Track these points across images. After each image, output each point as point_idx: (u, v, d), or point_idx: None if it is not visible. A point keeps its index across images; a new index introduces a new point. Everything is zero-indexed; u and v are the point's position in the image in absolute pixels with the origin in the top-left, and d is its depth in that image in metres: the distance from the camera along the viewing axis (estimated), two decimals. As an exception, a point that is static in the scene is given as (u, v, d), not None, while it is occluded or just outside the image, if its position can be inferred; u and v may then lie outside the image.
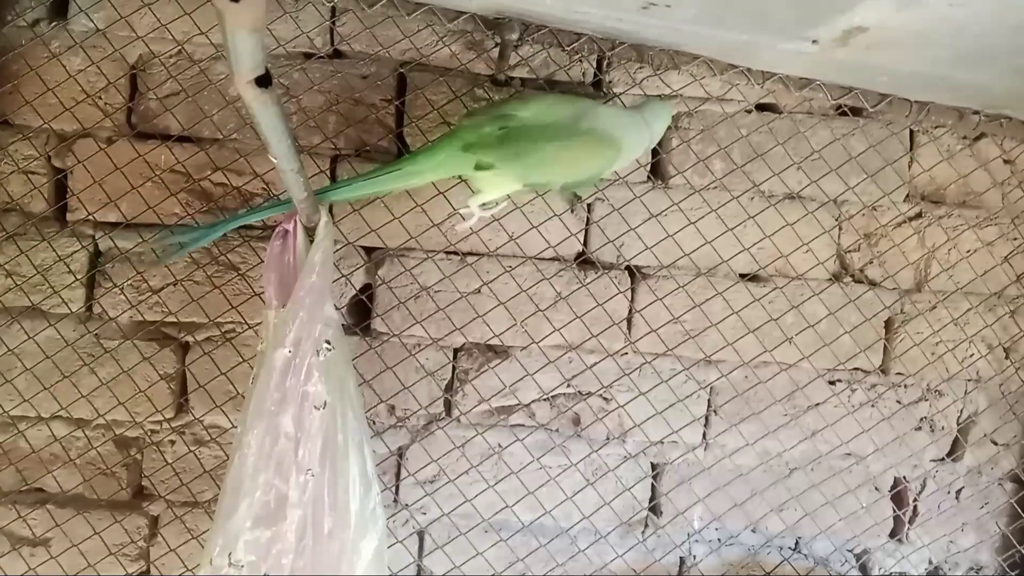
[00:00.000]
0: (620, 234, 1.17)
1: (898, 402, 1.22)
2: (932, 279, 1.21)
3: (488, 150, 0.97)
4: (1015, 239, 1.22)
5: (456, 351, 1.17)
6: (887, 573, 1.23)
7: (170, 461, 1.14)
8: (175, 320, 1.12)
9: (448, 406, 1.17)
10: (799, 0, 0.90)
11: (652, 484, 1.21)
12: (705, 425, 1.20)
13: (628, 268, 1.18)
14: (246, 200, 1.12)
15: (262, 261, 1.10)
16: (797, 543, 1.24)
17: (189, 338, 1.13)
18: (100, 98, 1.11)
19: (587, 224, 1.18)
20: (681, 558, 1.23)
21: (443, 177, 1.06)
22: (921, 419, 1.22)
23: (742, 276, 1.19)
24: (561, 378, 1.17)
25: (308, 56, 1.14)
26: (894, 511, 1.24)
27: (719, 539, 1.22)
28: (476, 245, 1.15)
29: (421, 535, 1.19)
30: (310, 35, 1.12)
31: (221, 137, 1.12)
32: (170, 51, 1.11)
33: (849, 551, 1.25)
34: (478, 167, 0.98)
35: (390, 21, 1.12)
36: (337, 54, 1.14)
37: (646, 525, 1.21)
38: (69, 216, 1.11)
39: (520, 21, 1.13)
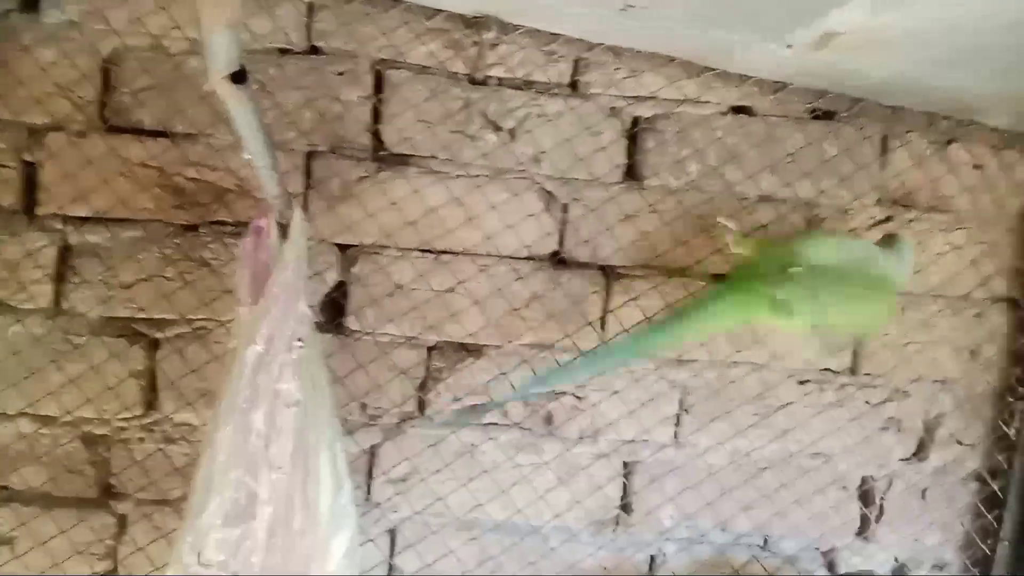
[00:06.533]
0: (595, 234, 1.17)
1: (866, 402, 1.23)
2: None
3: (786, 287, 1.00)
4: (982, 243, 1.24)
5: (430, 349, 1.17)
6: (853, 571, 1.25)
7: (139, 459, 1.12)
8: (145, 316, 1.11)
9: (421, 404, 1.17)
10: (774, 4, 0.91)
11: (624, 483, 1.22)
12: (676, 424, 1.21)
13: (602, 268, 1.19)
14: (219, 196, 1.11)
15: (235, 257, 1.09)
16: (766, 541, 1.25)
17: (159, 334, 1.12)
18: (72, 91, 1.10)
19: (563, 224, 1.18)
20: (652, 556, 1.24)
21: (738, 321, 1.09)
22: (888, 419, 1.24)
23: (714, 277, 1.19)
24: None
25: (285, 52, 1.13)
26: (861, 510, 1.25)
27: (689, 537, 1.23)
28: (451, 243, 1.15)
29: (393, 533, 1.18)
30: (287, 31, 1.12)
31: (195, 132, 1.11)
32: (144, 45, 1.10)
33: (817, 549, 1.26)
34: (774, 307, 1.01)
35: (367, 18, 1.12)
36: (314, 50, 1.14)
37: (617, 523, 1.22)
38: (38, 210, 1.09)
39: (497, 20, 1.13)
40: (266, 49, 1.12)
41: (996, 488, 1.24)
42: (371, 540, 1.16)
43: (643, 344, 1.09)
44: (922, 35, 0.92)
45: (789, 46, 1.01)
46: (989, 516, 1.24)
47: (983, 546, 1.25)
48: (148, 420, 1.13)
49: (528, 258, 1.17)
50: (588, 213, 1.17)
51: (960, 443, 1.26)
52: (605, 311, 1.19)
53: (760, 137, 1.19)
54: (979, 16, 0.86)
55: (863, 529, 1.26)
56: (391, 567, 1.18)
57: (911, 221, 1.23)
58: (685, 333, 1.08)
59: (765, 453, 1.22)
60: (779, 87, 1.18)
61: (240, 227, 1.11)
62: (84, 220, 1.10)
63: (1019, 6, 0.82)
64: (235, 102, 0.68)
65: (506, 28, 1.14)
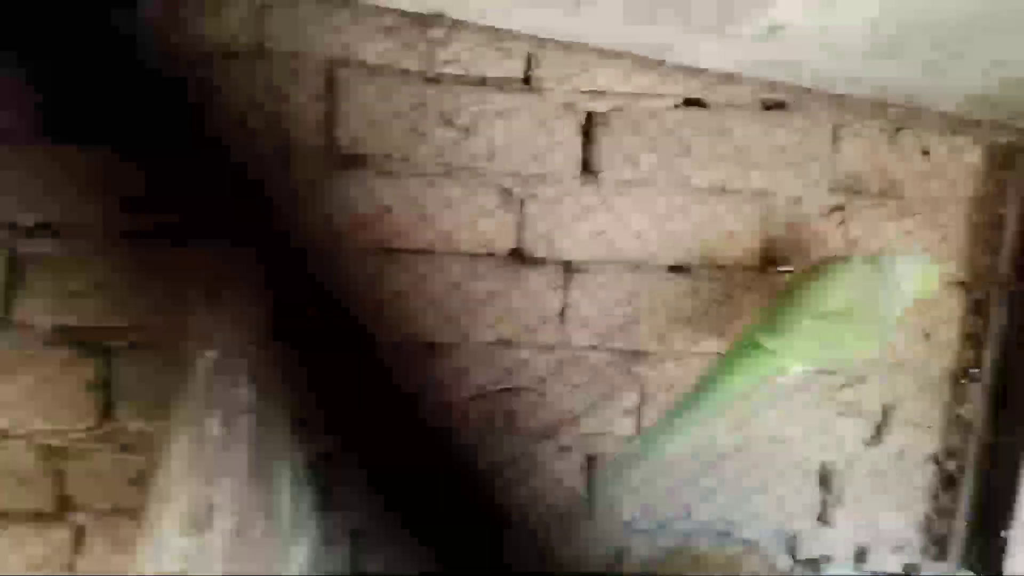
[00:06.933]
0: (552, 229, 1.18)
1: (824, 388, 1.25)
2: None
3: (785, 340, 1.04)
4: (934, 228, 1.26)
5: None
6: (814, 555, 1.27)
7: (95, 470, 1.11)
8: (97, 325, 1.10)
9: (381, 406, 1.17)
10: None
11: (587, 476, 1.23)
12: (638, 417, 1.22)
13: (561, 263, 1.19)
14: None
15: (188, 263, 1.07)
16: (728, 529, 1.26)
17: (112, 343, 1.11)
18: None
19: (520, 220, 1.18)
20: (616, 548, 1.24)
21: (754, 381, 1.09)
22: (846, 404, 1.26)
23: (671, 269, 1.20)
24: (495, 374, 1.17)
25: (233, 54, 1.11)
26: (821, 494, 1.27)
27: (653, 528, 1.24)
28: (407, 240, 1.15)
29: (355, 536, 1.18)
30: (235, 32, 1.10)
31: (142, 137, 1.09)
32: (87, 49, 1.08)
33: (778, 535, 1.28)
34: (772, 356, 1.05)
35: (317, 17, 1.11)
36: (263, 51, 1.12)
37: (581, 517, 1.23)
38: (-16, 221, 1.07)
39: (448, 18, 1.13)
40: (215, 50, 1.11)
41: (953, 469, 1.27)
42: (333, 544, 1.16)
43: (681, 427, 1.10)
44: (858, 29, 0.93)
45: (737, 38, 1.02)
46: (946, 497, 1.27)
47: (941, 526, 1.27)
48: (103, 430, 1.11)
49: (486, 255, 1.17)
50: (545, 208, 1.17)
51: (917, 426, 1.28)
52: (565, 306, 1.19)
53: (713, 129, 1.20)
54: (905, 13, 0.87)
55: (823, 513, 1.28)
56: (354, 570, 1.18)
57: (863, 208, 1.24)
58: (717, 403, 1.09)
59: (725, 442, 1.23)
60: (730, 79, 1.18)
61: (192, 233, 1.10)
62: (32, 229, 1.08)
63: (939, 3, 0.84)
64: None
65: (457, 25, 1.13)
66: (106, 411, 1.12)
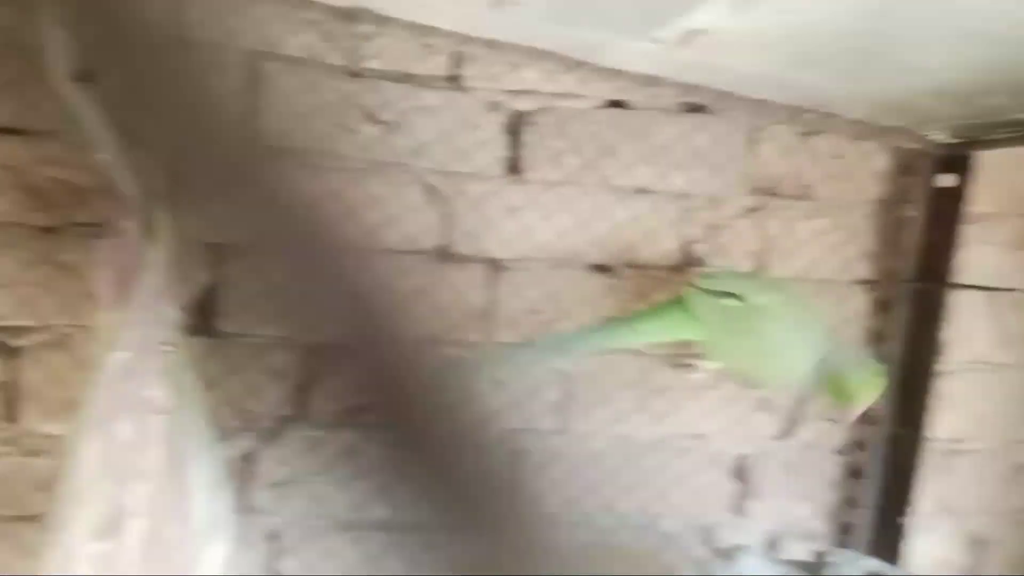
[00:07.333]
0: (479, 227, 1.18)
1: (738, 384, 1.29)
2: (770, 267, 1.29)
3: (705, 313, 1.06)
4: (843, 229, 1.31)
5: (307, 349, 1.15)
6: (729, 546, 1.31)
7: (0, 473, 1.07)
8: (3, 324, 1.05)
9: (300, 407, 1.15)
10: (632, 4, 0.93)
11: (511, 472, 1.24)
12: (561, 412, 1.24)
13: (487, 260, 1.20)
14: (79, 196, 1.06)
15: (97, 260, 1.04)
16: (647, 523, 1.29)
17: (19, 343, 1.07)
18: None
19: (446, 217, 1.18)
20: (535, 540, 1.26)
21: (667, 340, 1.12)
22: (760, 400, 1.30)
23: (595, 268, 1.22)
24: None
25: (154, 44, 1.08)
26: (736, 487, 1.31)
27: (574, 522, 1.26)
28: (329, 239, 1.13)
29: (274, 538, 1.17)
30: (156, 21, 1.07)
31: (51, 129, 1.05)
32: (-8, 34, 1.03)
33: (695, 527, 1.31)
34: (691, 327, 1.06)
35: (239, 8, 1.08)
36: (184, 42, 1.09)
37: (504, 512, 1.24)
38: None
39: (372, 13, 1.12)
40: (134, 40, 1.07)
41: (859, 460, 1.33)
42: (252, 547, 1.14)
43: (583, 341, 1.13)
44: (775, 36, 0.96)
45: (657, 42, 1.04)
46: (852, 487, 1.33)
47: (847, 515, 1.33)
48: (9, 433, 1.07)
49: (411, 252, 1.17)
50: (471, 206, 1.18)
51: (825, 420, 1.33)
52: (490, 304, 1.20)
53: (635, 130, 1.22)
54: (819, 22, 0.91)
55: (738, 506, 1.32)
56: (274, 572, 1.16)
57: (778, 209, 1.28)
58: (622, 339, 1.13)
59: (645, 436, 1.26)
60: (652, 81, 1.21)
61: (102, 228, 1.06)
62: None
63: (850, 14, 0.87)
64: (79, 102, 0.65)
65: (382, 21, 1.12)
66: (11, 414, 1.07)
